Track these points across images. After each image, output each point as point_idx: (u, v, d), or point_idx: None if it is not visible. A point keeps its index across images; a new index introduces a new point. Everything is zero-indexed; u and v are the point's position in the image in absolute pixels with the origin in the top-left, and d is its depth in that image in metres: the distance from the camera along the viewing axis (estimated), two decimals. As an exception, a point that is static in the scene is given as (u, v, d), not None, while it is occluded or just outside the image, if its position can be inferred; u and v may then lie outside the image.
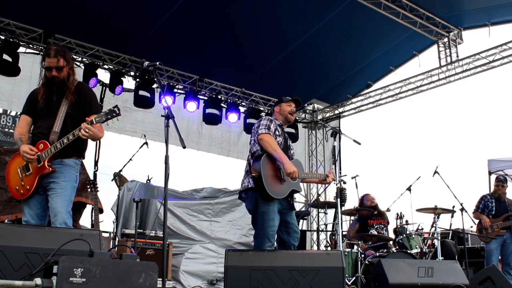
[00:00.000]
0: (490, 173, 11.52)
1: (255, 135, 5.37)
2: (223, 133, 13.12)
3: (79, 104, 4.52)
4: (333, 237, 9.59)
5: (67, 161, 4.42)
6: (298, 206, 14.54)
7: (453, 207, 8.32)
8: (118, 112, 4.14)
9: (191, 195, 10.03)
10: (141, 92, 10.80)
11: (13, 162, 4.54)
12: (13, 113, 10.87)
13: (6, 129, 10.67)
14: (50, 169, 4.29)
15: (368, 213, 8.74)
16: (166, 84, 11.48)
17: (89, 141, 4.68)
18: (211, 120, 12.18)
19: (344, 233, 8.84)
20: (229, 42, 11.02)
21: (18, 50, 9.53)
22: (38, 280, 3.00)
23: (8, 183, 4.52)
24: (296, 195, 14.87)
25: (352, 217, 9.14)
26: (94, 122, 4.17)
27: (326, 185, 6.61)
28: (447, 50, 12.00)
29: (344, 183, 6.04)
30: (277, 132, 5.44)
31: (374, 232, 8.64)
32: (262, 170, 5.13)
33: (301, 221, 11.04)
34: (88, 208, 7.31)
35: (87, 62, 10.52)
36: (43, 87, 4.55)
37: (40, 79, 4.65)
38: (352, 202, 9.31)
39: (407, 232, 8.18)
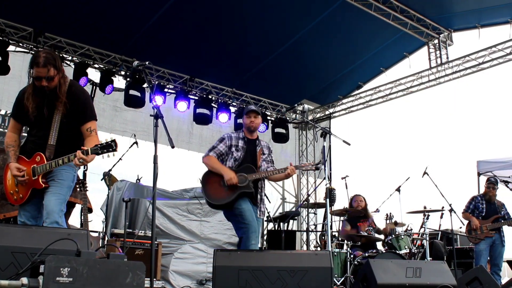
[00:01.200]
0: (479, 174, 11.59)
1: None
2: (213, 133, 13.09)
3: (73, 112, 4.38)
4: (323, 237, 9.60)
5: None
6: (288, 207, 14.58)
7: (442, 208, 8.37)
8: (114, 148, 4.06)
9: (181, 195, 10.00)
10: (132, 92, 10.76)
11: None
12: (2, 112, 10.85)
13: (-5, 127, 10.66)
14: (44, 185, 4.25)
15: (356, 214, 8.75)
16: (156, 84, 11.46)
17: None
18: (202, 120, 12.16)
19: (334, 233, 8.86)
20: (220, 42, 11.02)
21: (8, 49, 9.47)
22: (24, 280, 2.99)
23: (5, 185, 4.50)
24: (286, 196, 14.87)
25: (342, 218, 9.15)
26: (89, 153, 4.06)
27: (319, 180, 6.71)
28: (437, 52, 12.06)
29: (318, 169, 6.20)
30: (233, 149, 5.84)
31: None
32: (203, 185, 5.71)
33: (291, 221, 11.05)
34: (77, 207, 7.28)
35: (77, 61, 10.48)
36: (32, 96, 4.33)
37: (29, 82, 4.41)
38: (341, 203, 9.34)
39: (396, 233, 8.22)
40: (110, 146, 4.07)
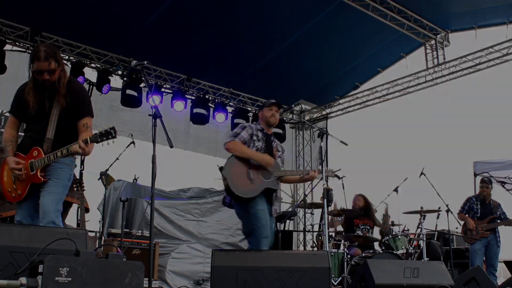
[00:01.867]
0: (475, 175, 11.58)
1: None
2: (210, 133, 13.09)
3: (71, 107, 4.37)
4: (320, 237, 9.60)
5: (64, 159, 4.32)
6: (284, 207, 14.56)
7: (439, 208, 8.39)
8: (114, 134, 4.03)
9: (178, 194, 10.00)
10: (129, 91, 10.74)
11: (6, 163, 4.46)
12: (-2, 111, 10.83)
13: (-9, 126, 10.64)
14: (42, 179, 4.23)
15: (354, 214, 8.74)
16: (153, 84, 11.44)
17: None
18: (199, 119, 12.15)
19: (331, 233, 8.85)
20: (217, 42, 11.01)
21: (4, 48, 9.44)
22: (23, 280, 2.97)
23: (2, 183, 4.47)
24: (283, 196, 14.83)
25: (339, 218, 9.15)
26: (89, 142, 4.06)
27: (316, 181, 6.66)
28: (434, 52, 12.09)
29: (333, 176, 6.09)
30: (254, 138, 5.57)
31: (359, 232, 8.64)
32: (227, 173, 5.27)
33: (287, 221, 11.04)
34: (74, 207, 7.27)
35: (74, 60, 10.45)
36: (33, 90, 4.33)
37: (29, 78, 4.40)
38: (338, 203, 9.32)
39: (393, 233, 8.22)
40: (109, 134, 4.04)
